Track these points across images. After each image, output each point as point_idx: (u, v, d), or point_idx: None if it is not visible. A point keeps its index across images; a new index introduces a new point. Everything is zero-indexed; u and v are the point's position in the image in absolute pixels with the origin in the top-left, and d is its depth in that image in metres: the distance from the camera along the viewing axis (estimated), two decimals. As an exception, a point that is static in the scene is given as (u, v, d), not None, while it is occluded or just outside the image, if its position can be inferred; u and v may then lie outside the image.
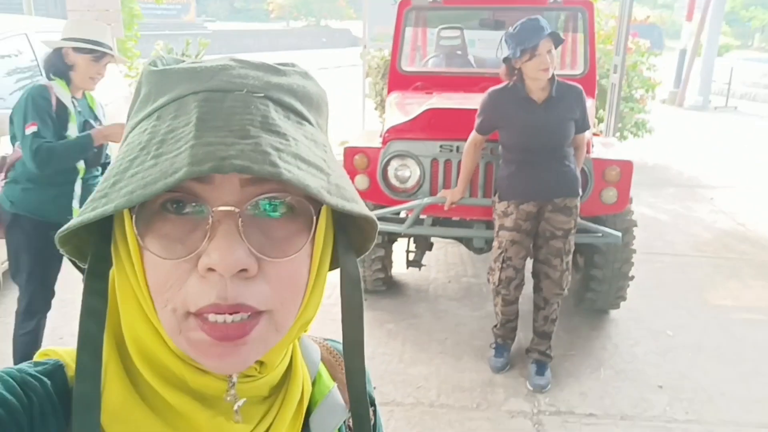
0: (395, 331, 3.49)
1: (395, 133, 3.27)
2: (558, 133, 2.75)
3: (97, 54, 2.47)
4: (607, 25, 7.26)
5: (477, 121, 2.88)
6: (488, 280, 3.00)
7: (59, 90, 2.44)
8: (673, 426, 2.70)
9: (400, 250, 3.93)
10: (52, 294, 2.63)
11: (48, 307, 2.62)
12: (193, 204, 0.44)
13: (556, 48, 2.68)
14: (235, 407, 0.49)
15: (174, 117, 0.45)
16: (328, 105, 0.55)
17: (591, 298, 3.51)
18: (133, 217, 0.44)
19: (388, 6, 5.59)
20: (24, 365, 0.49)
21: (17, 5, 6.43)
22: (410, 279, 4.15)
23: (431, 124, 3.21)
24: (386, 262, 3.74)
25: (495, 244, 2.92)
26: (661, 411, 2.80)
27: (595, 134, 3.71)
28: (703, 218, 5.64)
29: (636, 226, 3.33)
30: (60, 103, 2.43)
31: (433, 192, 3.22)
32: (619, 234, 3.08)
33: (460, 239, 3.63)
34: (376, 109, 7.36)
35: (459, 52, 4.99)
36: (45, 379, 0.47)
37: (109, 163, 2.70)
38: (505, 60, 2.76)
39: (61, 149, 2.38)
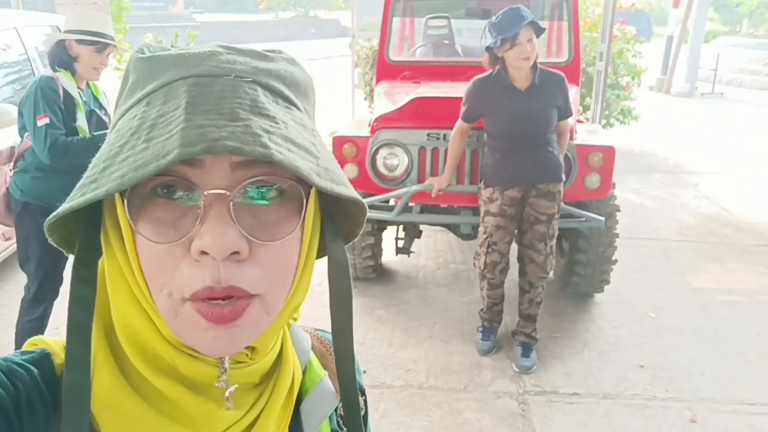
0: (385, 316, 3.57)
1: (383, 122, 3.32)
2: (541, 120, 2.81)
3: (100, 45, 2.53)
4: (594, 12, 7.31)
5: (462, 109, 2.94)
6: (474, 264, 3.08)
7: (65, 81, 2.51)
8: (654, 404, 2.79)
9: (390, 237, 4.00)
10: (60, 281, 2.69)
11: (56, 294, 2.69)
12: (184, 188, 0.44)
13: (538, 37, 2.74)
14: (227, 393, 0.49)
15: (164, 102, 0.45)
16: (315, 92, 0.55)
17: (576, 282, 3.59)
18: (125, 201, 0.44)
19: (376, -4, 5.60)
20: (10, 354, 0.48)
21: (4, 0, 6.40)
22: (400, 266, 4.22)
23: (418, 113, 3.27)
24: (376, 249, 3.80)
25: (480, 229, 2.99)
26: (642, 389, 2.90)
27: (579, 121, 3.77)
28: (688, 203, 5.73)
29: (619, 210, 3.40)
30: (67, 94, 2.50)
31: (421, 180, 3.28)
32: (603, 219, 3.15)
33: (447, 226, 3.70)
34: (365, 99, 7.38)
35: (446, 42, 5.03)
36: (32, 367, 0.47)
37: None
38: (488, 49, 2.82)
39: (79, 147, 2.45)
